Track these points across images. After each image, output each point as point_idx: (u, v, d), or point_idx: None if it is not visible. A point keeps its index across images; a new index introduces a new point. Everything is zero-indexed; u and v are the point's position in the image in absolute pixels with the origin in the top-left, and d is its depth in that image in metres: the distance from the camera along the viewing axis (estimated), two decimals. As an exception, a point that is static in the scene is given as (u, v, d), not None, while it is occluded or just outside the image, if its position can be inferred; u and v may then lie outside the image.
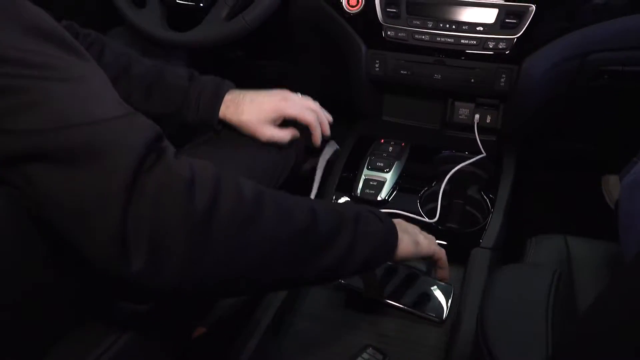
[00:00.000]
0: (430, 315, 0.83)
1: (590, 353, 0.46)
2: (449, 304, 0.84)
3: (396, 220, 0.70)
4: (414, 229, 0.74)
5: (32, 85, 0.43)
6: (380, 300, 0.85)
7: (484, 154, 1.07)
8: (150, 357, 0.62)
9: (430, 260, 0.78)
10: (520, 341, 0.53)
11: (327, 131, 0.89)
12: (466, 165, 1.06)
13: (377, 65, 1.11)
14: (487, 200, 1.00)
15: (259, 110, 0.82)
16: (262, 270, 0.52)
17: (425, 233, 0.76)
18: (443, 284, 0.87)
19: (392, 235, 0.67)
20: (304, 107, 0.86)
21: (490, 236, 0.94)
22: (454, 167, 1.05)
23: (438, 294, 0.86)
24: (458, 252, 0.92)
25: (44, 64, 0.44)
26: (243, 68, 1.44)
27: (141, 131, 0.46)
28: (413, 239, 0.71)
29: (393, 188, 1.03)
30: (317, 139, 0.88)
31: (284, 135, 0.86)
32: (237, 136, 0.84)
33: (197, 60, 1.27)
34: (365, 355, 0.78)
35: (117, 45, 0.85)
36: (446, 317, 0.83)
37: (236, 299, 0.82)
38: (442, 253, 0.77)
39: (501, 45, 1.02)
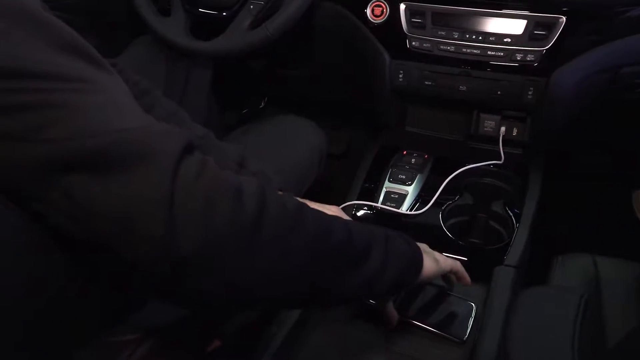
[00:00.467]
0: (451, 336, 0.80)
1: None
2: (470, 323, 0.82)
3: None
4: (430, 249, 0.76)
5: (69, 98, 0.43)
6: (402, 319, 0.83)
7: (501, 161, 1.04)
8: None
9: (448, 277, 0.80)
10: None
11: None
12: (491, 179, 1.03)
13: (401, 76, 1.09)
14: (512, 215, 0.97)
15: None
16: (301, 281, 0.53)
17: (437, 252, 0.77)
18: (465, 302, 0.85)
19: (419, 256, 0.69)
20: None
21: (514, 254, 0.91)
22: (477, 180, 1.02)
23: (460, 312, 0.83)
24: (481, 269, 0.90)
25: (78, 78, 0.45)
26: (266, 77, 1.43)
27: (173, 137, 0.46)
28: (432, 257, 0.73)
29: (415, 201, 1.01)
30: None
31: None
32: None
33: (222, 69, 1.27)
34: (382, 375, 0.76)
35: (167, 101, 0.85)
36: (467, 338, 0.80)
37: (250, 314, 0.81)
38: (458, 264, 0.80)
39: (529, 58, 0.99)
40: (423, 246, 0.73)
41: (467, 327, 0.81)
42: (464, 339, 0.80)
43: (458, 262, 0.80)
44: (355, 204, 1.03)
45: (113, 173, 0.43)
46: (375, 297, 0.75)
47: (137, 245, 0.43)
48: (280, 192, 0.53)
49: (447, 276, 0.81)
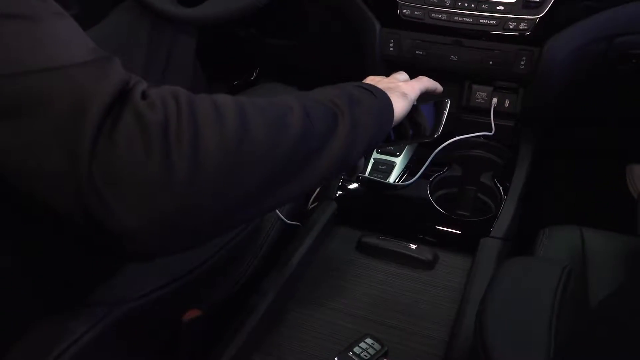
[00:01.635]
0: (426, 138, 0.71)
1: (597, 348, 0.42)
2: (443, 119, 0.72)
3: (374, 80, 0.65)
4: (393, 82, 0.67)
5: None
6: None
7: (492, 133, 1.02)
8: (134, 339, 0.61)
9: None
10: (520, 341, 0.49)
11: None
12: (480, 151, 1.01)
13: (391, 45, 1.06)
14: (501, 188, 0.96)
15: None
16: (267, 189, 0.46)
17: (399, 76, 0.70)
18: (440, 100, 0.74)
19: (388, 104, 0.61)
20: None
21: (501, 225, 0.89)
22: (467, 152, 1.00)
23: (433, 112, 0.73)
24: (468, 242, 0.89)
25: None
26: (254, 46, 1.40)
27: (112, 77, 0.41)
28: (400, 93, 0.65)
29: (403, 172, 0.99)
30: None
31: None
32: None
33: (208, 37, 1.24)
34: (363, 345, 0.75)
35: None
36: (438, 134, 0.71)
37: (233, 283, 0.80)
38: (424, 81, 0.71)
39: (522, 26, 0.96)
40: (389, 83, 0.65)
41: (441, 124, 0.72)
42: (435, 135, 0.71)
43: (424, 79, 0.71)
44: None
45: (25, 118, 0.38)
46: (351, 164, 0.62)
47: (58, 198, 0.40)
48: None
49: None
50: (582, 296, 0.68)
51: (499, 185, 0.96)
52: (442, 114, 0.72)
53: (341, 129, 0.53)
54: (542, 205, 1.21)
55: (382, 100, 0.60)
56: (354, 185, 1.00)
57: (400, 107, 0.63)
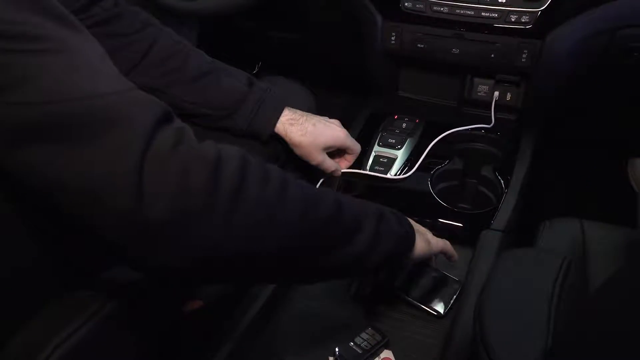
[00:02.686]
0: (430, 309, 0.80)
1: (594, 339, 0.42)
2: (452, 300, 0.81)
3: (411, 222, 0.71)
4: (423, 229, 0.74)
5: (32, 60, 0.40)
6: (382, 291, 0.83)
7: (491, 125, 1.02)
8: (134, 328, 0.61)
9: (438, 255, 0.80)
10: (518, 331, 0.49)
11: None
12: (481, 144, 1.01)
13: (393, 38, 1.06)
14: (502, 180, 0.96)
15: (320, 135, 0.88)
16: (282, 259, 0.51)
17: (430, 232, 0.77)
18: (452, 278, 0.84)
19: (411, 235, 0.68)
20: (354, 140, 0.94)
21: (502, 218, 0.89)
22: (468, 145, 1.00)
23: (445, 288, 0.83)
24: (469, 234, 0.89)
25: (43, 38, 0.41)
26: (256, 40, 1.40)
27: (148, 106, 0.44)
28: (425, 238, 0.73)
29: (404, 165, 1.00)
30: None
31: (332, 165, 0.92)
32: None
33: (209, 30, 1.24)
34: (364, 335, 0.76)
35: (170, 32, 0.83)
36: (446, 312, 0.80)
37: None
38: (448, 245, 0.79)
39: (524, 19, 0.96)
40: (417, 226, 0.72)
41: (448, 303, 0.80)
42: (443, 313, 0.79)
43: (448, 243, 0.79)
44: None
45: (77, 143, 0.40)
46: (364, 273, 0.75)
47: (104, 216, 0.42)
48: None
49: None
50: (582, 288, 0.69)
51: (499, 178, 0.96)
52: (451, 295, 0.81)
53: (364, 231, 0.57)
54: (542, 198, 1.22)
55: (407, 229, 0.67)
56: (356, 179, 1.00)
57: (421, 247, 0.70)
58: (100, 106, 0.41)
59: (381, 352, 0.75)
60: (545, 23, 0.95)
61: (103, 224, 0.42)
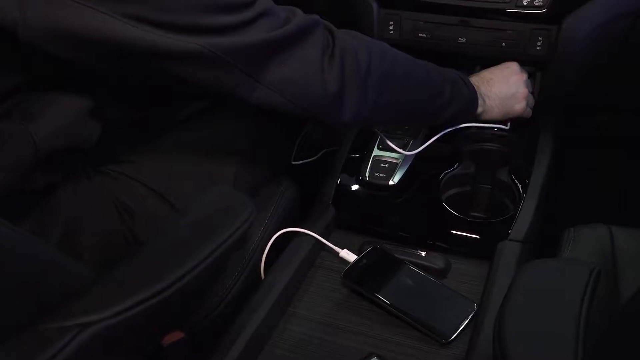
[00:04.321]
0: (433, 334, 0.78)
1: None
2: (463, 324, 0.78)
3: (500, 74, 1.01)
4: (512, 98, 1.01)
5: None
6: (385, 306, 0.81)
7: (507, 127, 1.02)
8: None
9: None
10: (543, 352, 0.48)
11: None
12: (495, 144, 1.01)
13: (391, 28, 1.06)
14: (519, 185, 0.95)
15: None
16: (397, 107, 0.87)
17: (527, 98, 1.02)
18: (466, 300, 0.81)
19: (475, 101, 0.96)
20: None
21: (520, 227, 0.88)
22: (480, 146, 0.99)
23: (456, 310, 0.80)
24: (484, 246, 0.88)
25: None
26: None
27: (314, 18, 0.76)
28: (503, 111, 1.01)
29: (408, 171, 0.99)
30: None
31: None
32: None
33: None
34: (367, 365, 0.74)
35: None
36: (453, 339, 0.77)
37: (218, 300, 0.80)
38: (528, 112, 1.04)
39: (538, 2, 0.96)
40: (505, 93, 0.99)
41: (458, 328, 0.78)
42: (449, 339, 0.77)
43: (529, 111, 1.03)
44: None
45: (292, 48, 0.72)
46: (437, 122, 0.97)
47: (306, 94, 0.75)
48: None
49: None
50: (613, 301, 0.68)
51: (516, 182, 0.95)
52: (463, 318, 0.80)
53: (444, 93, 0.90)
54: (565, 203, 1.21)
55: (472, 96, 0.95)
56: (354, 187, 0.99)
57: (490, 113, 1.00)
58: (300, 25, 0.73)
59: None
60: (561, 6, 0.95)
61: (307, 100, 0.75)
